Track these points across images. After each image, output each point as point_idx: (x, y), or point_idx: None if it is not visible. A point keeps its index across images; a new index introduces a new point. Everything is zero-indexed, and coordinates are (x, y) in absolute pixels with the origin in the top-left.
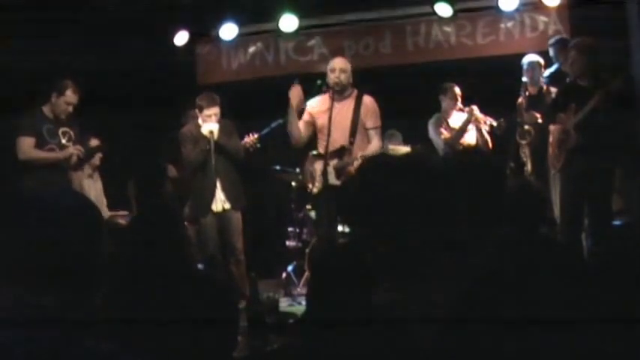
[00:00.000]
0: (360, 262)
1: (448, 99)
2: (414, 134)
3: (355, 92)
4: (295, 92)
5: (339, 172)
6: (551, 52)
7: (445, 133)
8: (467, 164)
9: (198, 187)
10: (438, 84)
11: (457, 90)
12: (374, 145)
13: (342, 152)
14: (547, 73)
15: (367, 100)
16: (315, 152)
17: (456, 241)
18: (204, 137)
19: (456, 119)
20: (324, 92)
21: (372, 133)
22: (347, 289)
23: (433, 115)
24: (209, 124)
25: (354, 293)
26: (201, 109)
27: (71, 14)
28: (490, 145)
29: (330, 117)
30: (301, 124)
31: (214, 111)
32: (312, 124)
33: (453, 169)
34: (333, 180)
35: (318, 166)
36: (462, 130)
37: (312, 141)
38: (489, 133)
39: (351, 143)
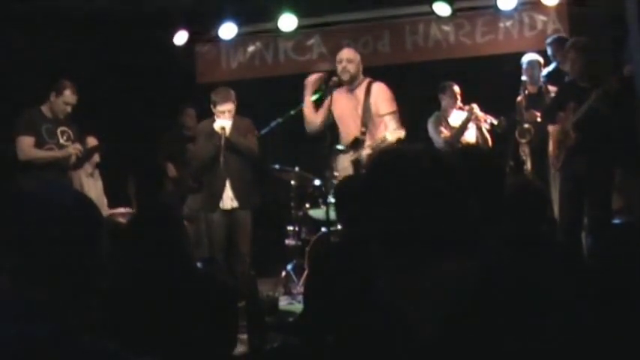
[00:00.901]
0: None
1: (447, 97)
2: (414, 133)
3: (366, 81)
4: (309, 79)
5: (354, 164)
6: (549, 51)
7: (445, 132)
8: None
9: (208, 184)
10: (438, 83)
11: (456, 88)
12: (390, 132)
13: (356, 144)
14: (545, 72)
15: (376, 87)
16: (338, 147)
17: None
18: (216, 133)
19: (456, 118)
20: (323, 90)
21: (387, 119)
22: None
23: (433, 113)
24: (221, 120)
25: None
26: (215, 105)
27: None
28: (490, 143)
29: (343, 109)
30: (320, 111)
31: (228, 107)
32: (328, 111)
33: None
34: (350, 173)
35: (340, 160)
36: (462, 128)
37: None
38: (489, 131)
39: (363, 133)
